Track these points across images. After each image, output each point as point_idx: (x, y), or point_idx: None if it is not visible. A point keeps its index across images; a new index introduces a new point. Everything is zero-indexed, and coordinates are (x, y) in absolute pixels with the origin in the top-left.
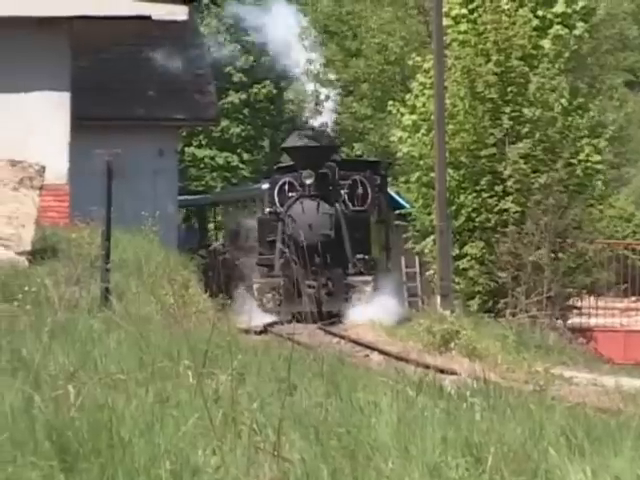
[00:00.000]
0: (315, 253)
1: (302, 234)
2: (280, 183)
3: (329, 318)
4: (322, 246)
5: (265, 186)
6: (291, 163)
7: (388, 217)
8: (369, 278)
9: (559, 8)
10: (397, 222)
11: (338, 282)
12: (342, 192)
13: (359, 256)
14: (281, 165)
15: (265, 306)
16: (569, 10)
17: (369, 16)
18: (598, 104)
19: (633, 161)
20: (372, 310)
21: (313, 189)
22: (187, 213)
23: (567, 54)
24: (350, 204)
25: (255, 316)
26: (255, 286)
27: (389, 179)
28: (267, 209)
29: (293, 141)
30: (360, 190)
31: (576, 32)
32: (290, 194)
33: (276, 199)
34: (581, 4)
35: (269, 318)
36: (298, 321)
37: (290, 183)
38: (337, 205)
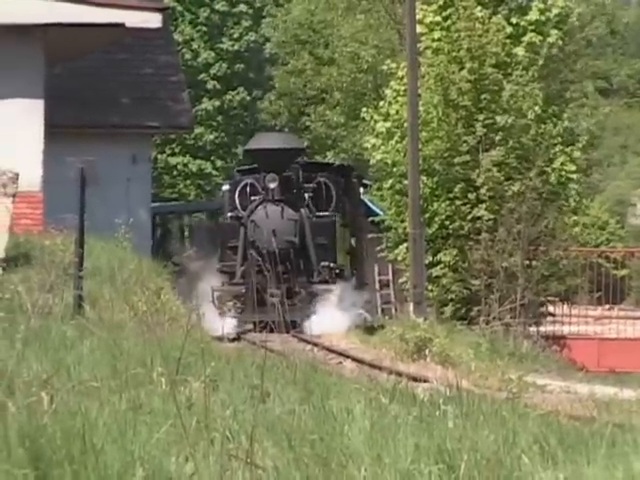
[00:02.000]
0: (279, 260)
1: (265, 240)
2: (241, 185)
3: (293, 327)
4: (286, 253)
5: (225, 187)
6: (254, 165)
7: (354, 222)
8: (334, 286)
9: (533, 16)
10: (371, 231)
11: (302, 290)
12: (306, 195)
13: (324, 263)
14: (242, 167)
15: (226, 314)
16: (543, 18)
17: (341, 25)
18: (570, 111)
19: (605, 167)
20: (338, 318)
21: (277, 194)
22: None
23: (541, 61)
24: (314, 208)
25: (217, 324)
26: (216, 294)
27: (368, 185)
28: (228, 213)
29: (257, 143)
30: (324, 193)
31: (550, 39)
32: (252, 197)
33: (237, 202)
34: (555, 12)
35: (230, 326)
36: (263, 330)
37: (252, 185)
38: (302, 210)
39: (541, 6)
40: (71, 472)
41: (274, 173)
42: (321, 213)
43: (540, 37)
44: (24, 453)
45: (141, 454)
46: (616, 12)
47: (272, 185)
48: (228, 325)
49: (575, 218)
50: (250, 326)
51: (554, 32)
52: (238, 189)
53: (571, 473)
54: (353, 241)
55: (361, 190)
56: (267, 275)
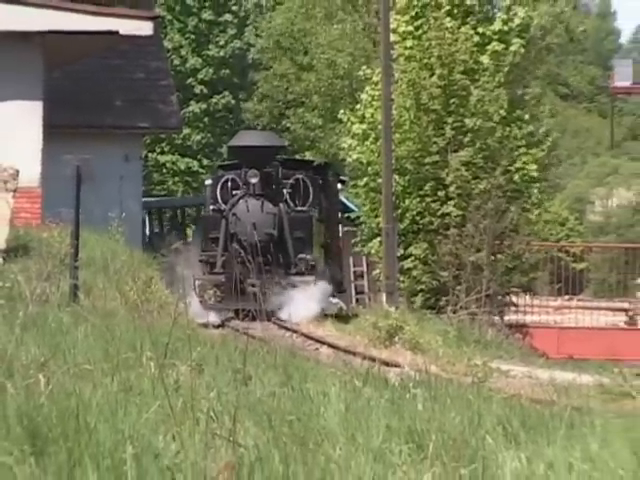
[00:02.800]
0: (258, 252)
1: (246, 233)
2: (223, 180)
3: (271, 316)
4: (265, 245)
5: (208, 182)
6: (235, 161)
7: (330, 217)
8: (310, 278)
9: (497, 25)
10: (346, 226)
11: (280, 281)
12: (285, 191)
13: (301, 256)
14: (224, 163)
15: (206, 303)
16: (506, 28)
17: (319, 33)
18: (530, 112)
19: (566, 166)
20: (314, 308)
21: (258, 188)
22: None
23: (506, 68)
24: (292, 203)
25: (197, 312)
26: (197, 283)
27: (347, 183)
28: (210, 207)
29: (239, 140)
30: (302, 189)
31: (512, 48)
32: (233, 192)
33: (218, 195)
34: (517, 22)
35: (212, 314)
36: (245, 318)
37: (233, 180)
38: (281, 205)
39: (504, 17)
40: (66, 449)
41: (255, 169)
42: (299, 208)
43: (503, 45)
44: (22, 431)
45: (131, 433)
46: (573, 22)
47: (253, 180)
48: (207, 314)
49: (537, 213)
50: (231, 314)
51: (516, 41)
52: (220, 183)
53: (532, 453)
54: (329, 235)
55: (339, 187)
56: (246, 266)
